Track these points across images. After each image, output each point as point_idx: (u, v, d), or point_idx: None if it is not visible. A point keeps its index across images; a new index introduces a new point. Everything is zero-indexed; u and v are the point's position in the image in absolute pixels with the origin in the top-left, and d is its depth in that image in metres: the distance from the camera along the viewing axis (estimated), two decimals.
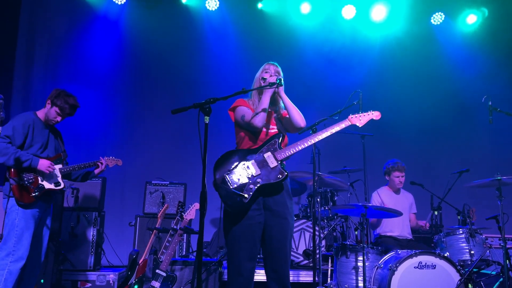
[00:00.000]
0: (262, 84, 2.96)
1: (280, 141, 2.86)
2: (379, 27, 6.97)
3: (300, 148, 2.83)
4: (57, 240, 4.41)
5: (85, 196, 4.87)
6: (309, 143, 2.84)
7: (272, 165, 2.79)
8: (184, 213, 4.05)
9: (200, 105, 2.49)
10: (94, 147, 6.14)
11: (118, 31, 6.63)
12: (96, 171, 3.85)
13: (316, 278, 3.91)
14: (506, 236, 4.03)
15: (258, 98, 2.97)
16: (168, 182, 5.25)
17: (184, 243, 5.10)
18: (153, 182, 5.26)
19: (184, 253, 5.05)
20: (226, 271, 4.48)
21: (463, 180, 5.04)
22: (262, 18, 6.83)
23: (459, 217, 4.96)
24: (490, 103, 4.17)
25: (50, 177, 3.53)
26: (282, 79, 2.90)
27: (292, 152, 2.82)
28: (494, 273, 4.13)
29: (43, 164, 3.47)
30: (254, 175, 2.76)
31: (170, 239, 3.92)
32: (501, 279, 4.02)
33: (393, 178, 4.89)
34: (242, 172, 2.77)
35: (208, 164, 2.49)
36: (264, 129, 2.93)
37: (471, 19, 6.94)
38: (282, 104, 3.02)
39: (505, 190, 4.14)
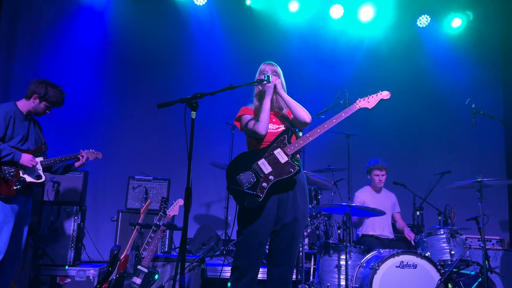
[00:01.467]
0: (260, 88, 2.94)
1: (289, 137, 2.84)
2: (367, 28, 7.01)
3: (309, 139, 2.81)
4: (36, 234, 4.32)
5: (66, 190, 4.78)
6: (318, 134, 2.82)
7: (283, 161, 2.77)
8: (168, 209, 4.01)
9: (187, 100, 2.46)
10: (76, 140, 6.02)
11: (103, 23, 6.52)
12: (77, 164, 3.80)
13: (299, 276, 3.92)
14: (485, 237, 4.10)
15: (260, 103, 2.96)
16: (151, 178, 5.19)
17: (167, 239, 5.04)
18: (136, 177, 5.19)
19: (166, 249, 5.01)
20: (208, 267, 4.48)
21: (445, 181, 5.12)
22: (250, 14, 6.80)
23: (440, 217, 5.04)
24: (473, 105, 4.24)
25: (31, 170, 3.46)
26: (271, 77, 2.89)
27: (301, 144, 2.81)
28: (473, 273, 4.20)
29: (26, 158, 3.40)
30: (266, 173, 2.75)
31: (152, 235, 3.88)
32: (480, 279, 4.09)
33: (373, 176, 4.94)
34: (254, 172, 2.76)
35: (194, 160, 2.46)
36: (271, 131, 2.92)
37: (456, 22, 7.02)
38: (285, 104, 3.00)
39: (486, 192, 4.21)
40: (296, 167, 2.76)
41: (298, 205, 2.82)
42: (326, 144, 6.35)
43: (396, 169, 5.89)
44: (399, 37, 6.94)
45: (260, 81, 2.86)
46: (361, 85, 6.62)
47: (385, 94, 3.00)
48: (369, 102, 2.97)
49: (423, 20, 6.98)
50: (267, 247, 2.96)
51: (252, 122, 2.87)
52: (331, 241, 4.28)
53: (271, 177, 2.74)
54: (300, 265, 4.07)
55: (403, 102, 6.70)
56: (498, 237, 5.40)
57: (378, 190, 5.00)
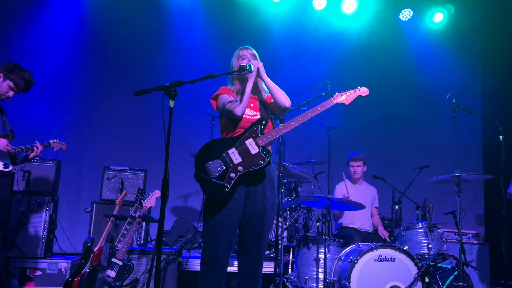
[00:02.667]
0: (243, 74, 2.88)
1: (262, 127, 2.79)
2: (349, 20, 7.01)
3: (283, 132, 2.78)
4: (5, 225, 4.18)
5: (37, 180, 4.65)
6: (292, 127, 2.77)
7: (253, 152, 2.73)
8: (144, 201, 3.94)
9: (165, 88, 2.40)
10: (49, 127, 5.87)
11: (78, 6, 6.32)
12: (31, 155, 3.66)
13: (277, 269, 3.91)
14: (462, 231, 4.18)
15: (240, 86, 2.92)
16: (127, 168, 5.11)
17: (143, 231, 4.98)
18: (111, 167, 5.10)
19: (142, 242, 4.95)
20: (185, 260, 4.43)
21: (424, 175, 5.19)
22: (232, 2, 6.72)
23: (418, 211, 5.11)
24: (454, 100, 4.28)
25: (2, 157, 3.33)
26: (253, 65, 2.83)
27: (274, 136, 2.77)
28: (449, 267, 4.28)
29: (1, 143, 3.28)
30: (235, 163, 2.71)
31: (128, 227, 3.81)
32: (456, 273, 4.18)
33: (349, 168, 4.99)
34: (223, 161, 2.71)
35: (171, 150, 2.42)
36: (247, 116, 2.87)
37: (438, 17, 7.10)
38: (266, 88, 2.96)
39: (463, 186, 4.29)
40: (266, 159, 2.72)
41: (267, 197, 2.80)
42: (307, 136, 6.35)
43: (376, 163, 5.95)
44: (382, 30, 6.97)
45: (242, 70, 2.81)
46: (343, 77, 6.64)
47: (363, 91, 2.94)
48: (346, 98, 2.92)
49: (406, 14, 7.02)
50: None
51: (230, 102, 2.82)
52: (310, 234, 4.29)
53: (240, 167, 2.70)
54: (279, 258, 4.06)
55: (385, 96, 6.76)
56: (474, 231, 5.52)
57: (357, 182, 5.03)
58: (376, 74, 6.80)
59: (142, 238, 4.96)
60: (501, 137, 4.21)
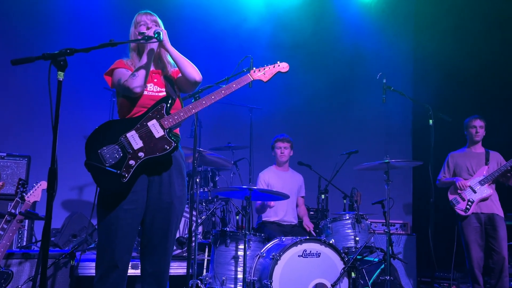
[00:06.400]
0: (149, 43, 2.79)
1: (169, 106, 2.72)
2: None
3: (192, 111, 2.74)
4: None
5: None
6: (203, 106, 2.75)
7: (157, 135, 2.66)
8: (26, 194, 3.75)
9: (52, 57, 2.25)
10: None
11: None
12: None
13: (190, 270, 3.91)
14: (390, 221, 4.47)
15: (138, 59, 2.82)
16: (4, 154, 4.86)
17: (25, 231, 4.81)
18: None
19: (24, 244, 4.77)
20: (80, 264, 4.28)
21: (352, 161, 5.46)
22: None
23: (345, 201, 5.38)
24: (384, 81, 4.52)
25: None
26: (162, 33, 2.75)
27: (182, 117, 2.72)
28: (376, 260, 4.58)
29: None
30: (135, 148, 2.62)
31: (5, 226, 3.61)
32: (382, 266, 4.49)
33: (276, 150, 5.10)
34: (121, 146, 2.62)
35: (61, 133, 2.31)
36: (150, 93, 2.78)
37: None
38: (171, 61, 2.89)
39: (393, 174, 4.57)
40: (173, 143, 2.69)
41: (174, 189, 2.77)
42: (226, 118, 6.37)
43: (302, 148, 6.14)
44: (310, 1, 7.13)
45: (149, 38, 2.71)
46: (267, 52, 6.72)
47: (283, 66, 3.00)
48: (264, 74, 2.97)
49: None
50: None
51: (126, 77, 2.73)
52: (228, 229, 4.33)
53: (140, 153, 2.64)
54: (192, 257, 4.07)
55: (312, 75, 6.97)
56: (401, 221, 5.96)
57: (283, 167, 5.14)
58: (303, 51, 6.98)
59: (25, 240, 4.81)
60: (430, 121, 4.51)
